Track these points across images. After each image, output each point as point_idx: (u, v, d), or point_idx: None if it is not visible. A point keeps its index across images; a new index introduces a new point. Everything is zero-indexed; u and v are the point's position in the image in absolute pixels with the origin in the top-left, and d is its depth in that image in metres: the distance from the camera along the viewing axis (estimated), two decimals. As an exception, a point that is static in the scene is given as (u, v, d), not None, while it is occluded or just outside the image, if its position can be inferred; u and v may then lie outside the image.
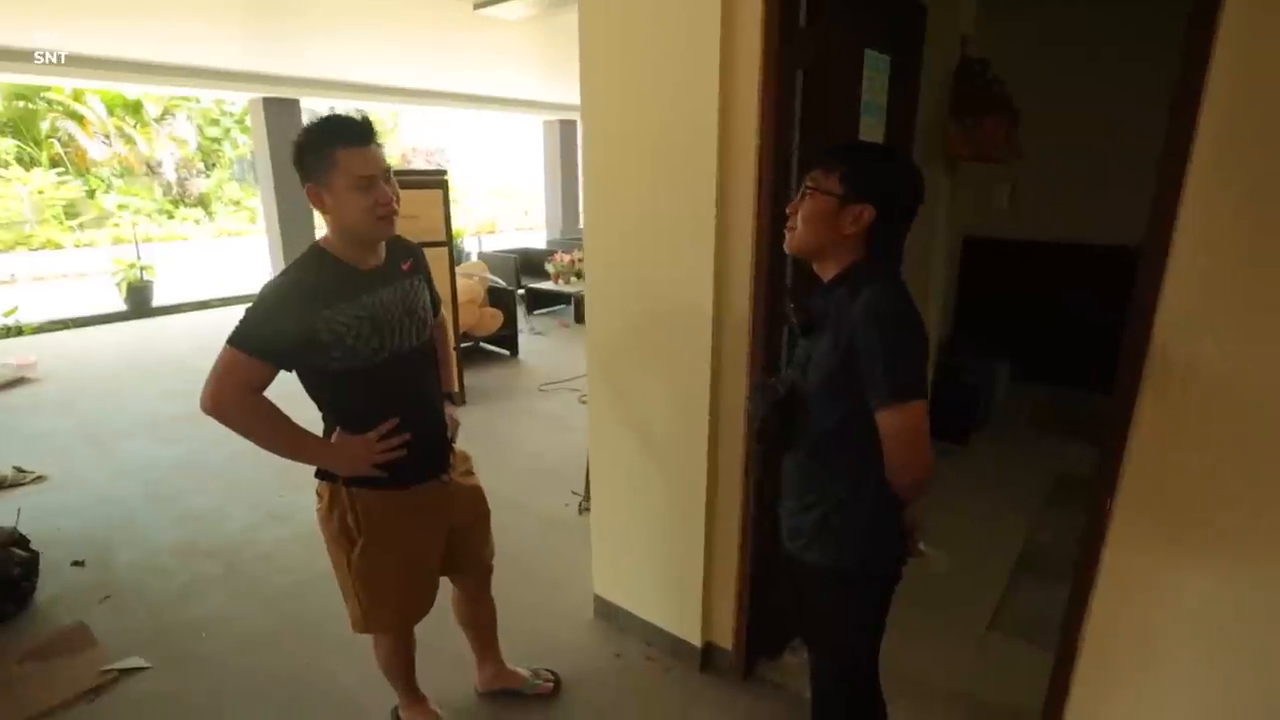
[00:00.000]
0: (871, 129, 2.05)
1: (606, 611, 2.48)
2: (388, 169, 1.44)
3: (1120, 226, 3.98)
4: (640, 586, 2.36)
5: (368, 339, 1.47)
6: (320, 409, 1.59)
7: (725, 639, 2.17)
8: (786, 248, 1.34)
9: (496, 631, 2.10)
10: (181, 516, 3.35)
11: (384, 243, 1.57)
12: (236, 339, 1.37)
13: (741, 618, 2.11)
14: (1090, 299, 4.25)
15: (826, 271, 1.31)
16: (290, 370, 1.47)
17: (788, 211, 1.31)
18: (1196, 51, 1.17)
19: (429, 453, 1.66)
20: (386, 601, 1.67)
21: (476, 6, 3.87)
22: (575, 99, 2.07)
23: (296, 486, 3.54)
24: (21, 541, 2.72)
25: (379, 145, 1.43)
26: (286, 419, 1.46)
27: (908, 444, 1.19)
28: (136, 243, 9.51)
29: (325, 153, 1.37)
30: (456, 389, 1.87)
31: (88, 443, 4.30)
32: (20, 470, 3.82)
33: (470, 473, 1.88)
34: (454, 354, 1.89)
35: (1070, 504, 3.22)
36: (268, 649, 2.40)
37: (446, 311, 1.94)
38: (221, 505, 3.44)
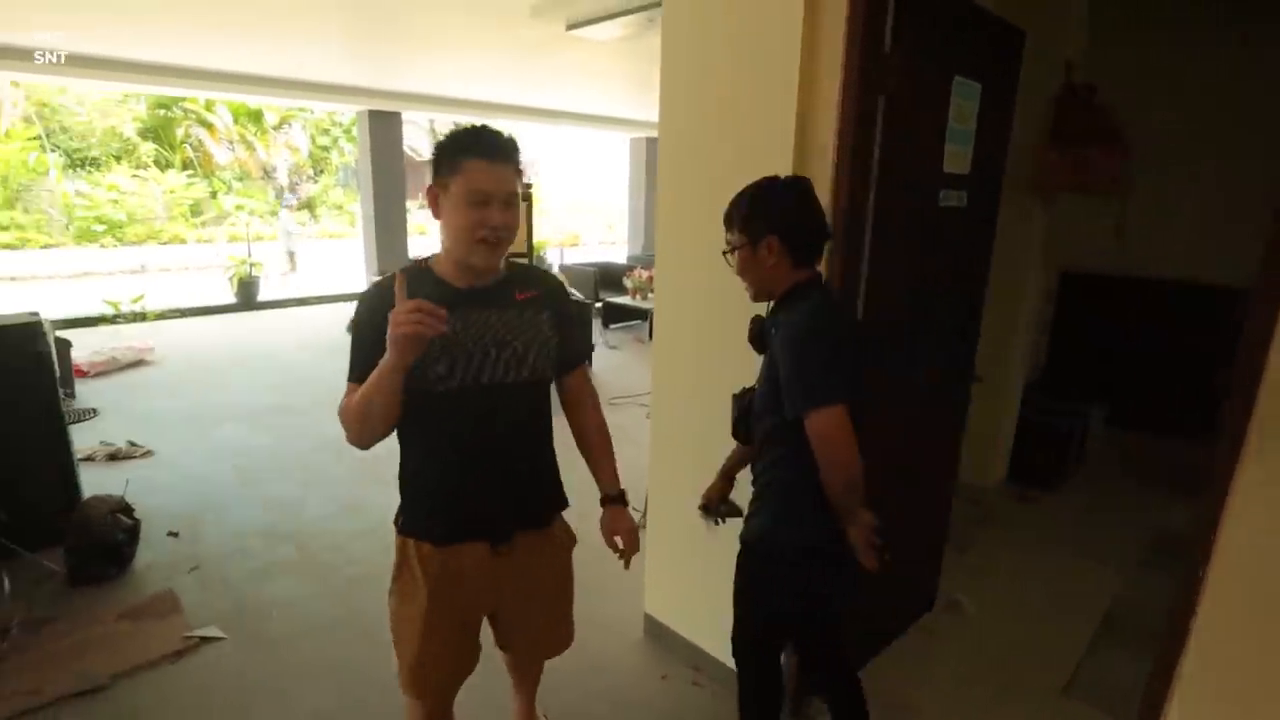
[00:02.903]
0: (957, 157, 1.98)
1: (656, 631, 2.46)
2: (511, 194, 1.31)
3: (1235, 266, 3.68)
4: (692, 609, 2.33)
5: (434, 362, 1.31)
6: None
7: (774, 673, 2.11)
8: (752, 299, 1.55)
9: (535, 690, 1.93)
10: (265, 501, 3.56)
11: (501, 267, 1.42)
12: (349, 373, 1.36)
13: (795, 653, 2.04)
14: (1198, 342, 3.94)
15: (775, 300, 1.51)
16: None
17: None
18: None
19: (483, 512, 1.43)
20: (404, 654, 1.50)
21: (569, 28, 3.99)
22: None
23: (373, 482, 3.71)
24: (127, 510, 2.97)
25: (512, 168, 1.31)
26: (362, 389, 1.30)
27: (823, 448, 1.34)
28: (249, 241, 10.26)
29: (455, 159, 1.28)
30: (620, 488, 1.61)
31: (190, 425, 4.65)
32: (132, 444, 4.18)
33: (559, 554, 1.62)
34: (608, 441, 1.63)
35: (1167, 565, 2.96)
36: (331, 635, 2.51)
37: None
38: (302, 494, 3.64)
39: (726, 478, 1.81)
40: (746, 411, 1.60)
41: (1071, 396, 4.01)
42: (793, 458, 1.43)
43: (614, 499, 1.59)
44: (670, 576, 2.39)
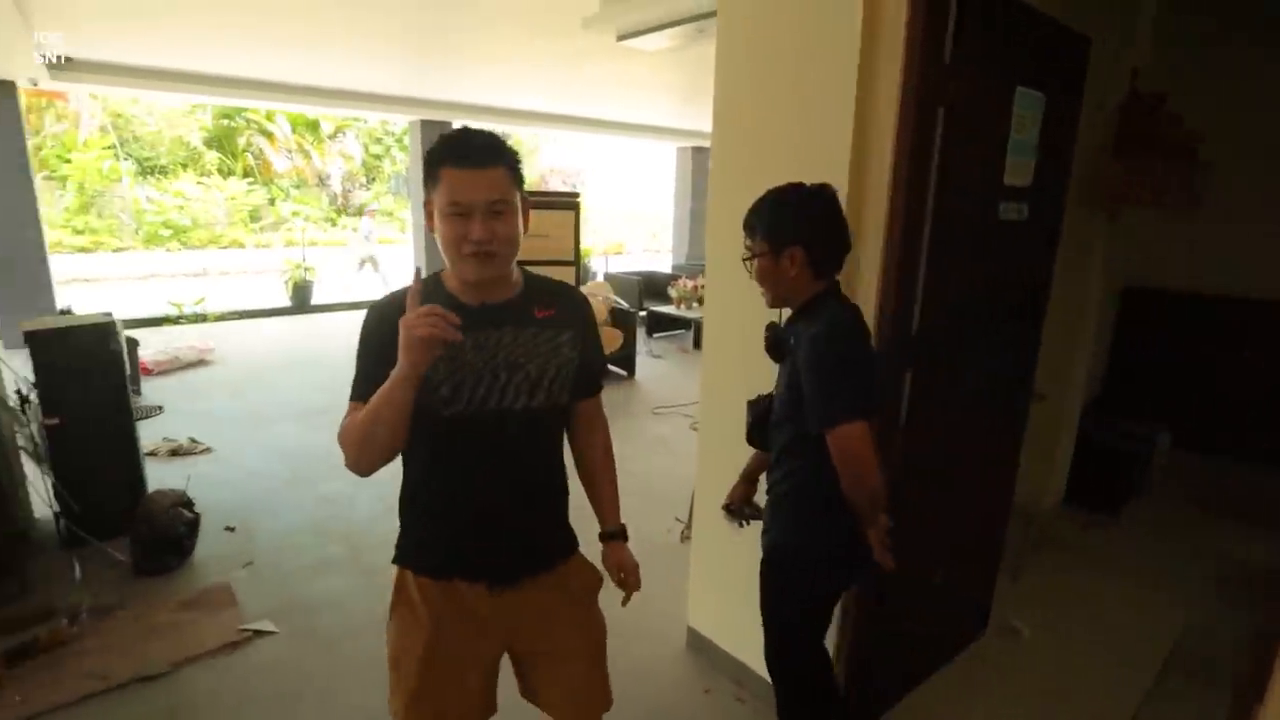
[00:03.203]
0: (1018, 169, 1.93)
1: (699, 644, 2.44)
2: (497, 202, 1.15)
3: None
4: (737, 623, 2.30)
5: (438, 385, 1.19)
6: None
7: (819, 692, 2.07)
8: (768, 305, 1.57)
9: None
10: (317, 499, 3.66)
11: (520, 280, 1.30)
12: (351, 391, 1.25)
13: (845, 669, 2.00)
14: (1272, 363, 3.75)
15: (793, 309, 1.53)
16: None
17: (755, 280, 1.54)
18: None
19: (483, 548, 1.30)
20: (401, 687, 1.35)
21: (620, 38, 4.02)
22: (708, 127, 2.10)
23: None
24: (188, 504, 3.09)
25: (499, 171, 1.16)
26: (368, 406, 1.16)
27: (847, 462, 1.35)
28: (304, 246, 10.61)
29: (435, 170, 1.17)
30: (622, 523, 1.49)
31: (247, 423, 4.82)
32: (193, 441, 4.34)
33: (579, 601, 1.43)
34: (614, 467, 1.49)
35: (1241, 601, 2.80)
36: (378, 633, 2.52)
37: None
38: (352, 493, 3.72)
39: (749, 481, 1.83)
40: (762, 419, 1.64)
41: (1134, 416, 3.85)
42: (810, 469, 1.47)
43: (616, 535, 1.46)
44: (713, 589, 2.37)
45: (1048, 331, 2.37)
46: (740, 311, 2.09)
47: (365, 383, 1.19)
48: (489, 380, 1.22)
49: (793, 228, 1.44)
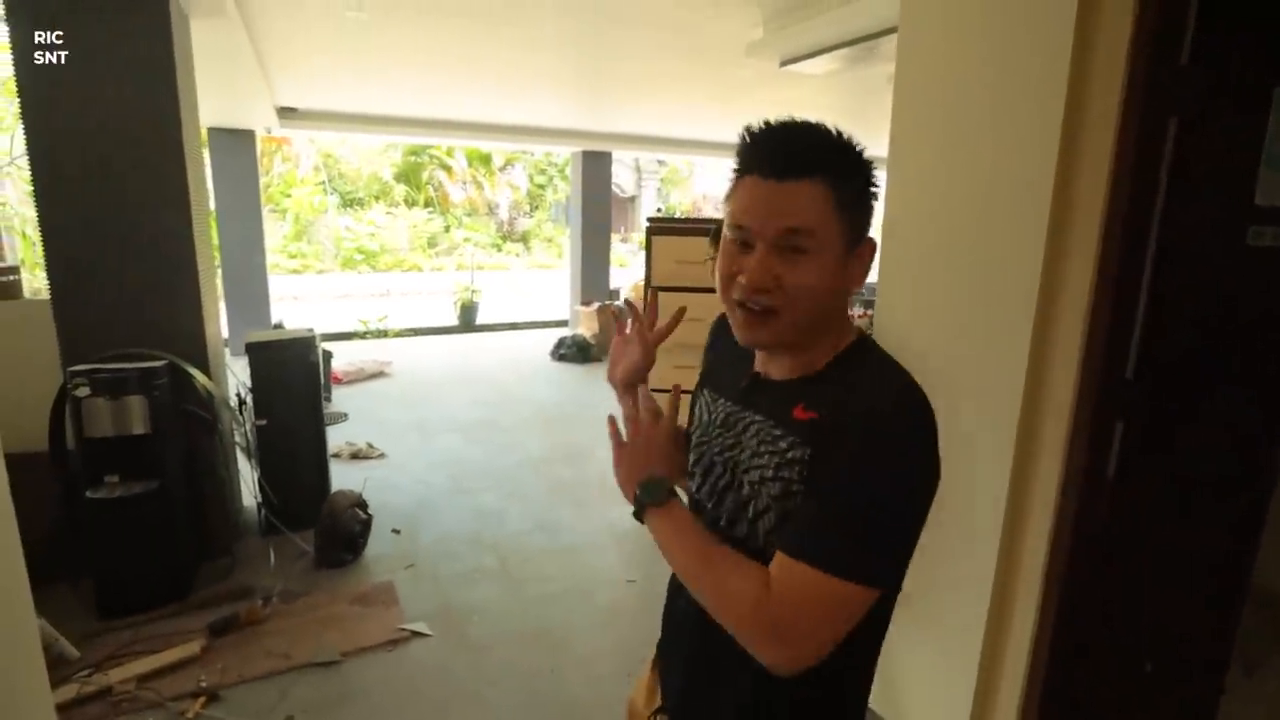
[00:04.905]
0: (1275, 186, 1.61)
1: None
2: (792, 232, 0.78)
3: None
4: (898, 685, 2.10)
5: (690, 447, 1.00)
6: None
7: (995, 780, 1.82)
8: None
9: None
10: (473, 510, 3.86)
11: (833, 359, 0.86)
12: None
13: (1020, 763, 1.75)
14: None
15: None
16: None
17: None
18: None
19: (666, 665, 1.08)
20: None
21: (783, 64, 3.96)
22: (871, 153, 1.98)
23: (568, 503, 3.88)
24: (363, 505, 3.36)
25: (809, 186, 0.78)
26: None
27: None
28: (472, 270, 11.47)
29: (739, 176, 0.83)
30: None
31: (417, 433, 5.21)
32: (371, 447, 4.76)
33: None
34: None
35: None
36: (521, 645, 2.62)
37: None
38: (504, 507, 3.88)
39: None
40: None
41: None
42: None
43: None
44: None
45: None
46: (912, 353, 1.92)
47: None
48: (718, 474, 0.92)
49: None
